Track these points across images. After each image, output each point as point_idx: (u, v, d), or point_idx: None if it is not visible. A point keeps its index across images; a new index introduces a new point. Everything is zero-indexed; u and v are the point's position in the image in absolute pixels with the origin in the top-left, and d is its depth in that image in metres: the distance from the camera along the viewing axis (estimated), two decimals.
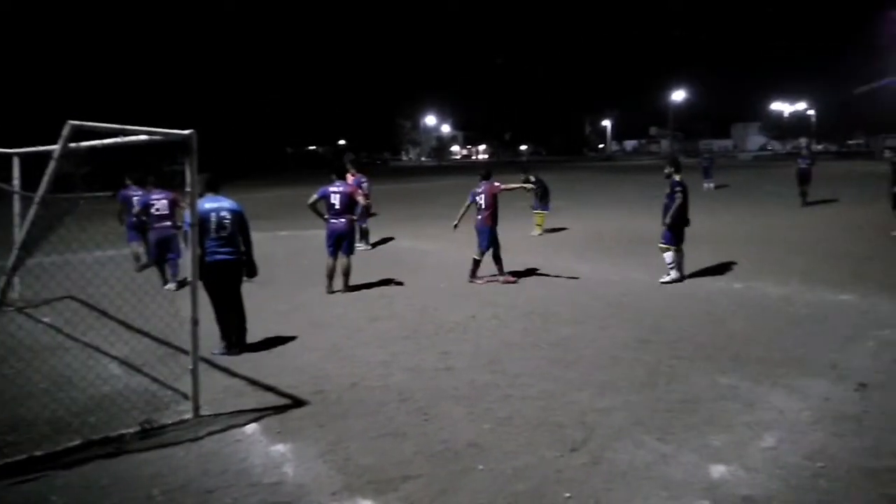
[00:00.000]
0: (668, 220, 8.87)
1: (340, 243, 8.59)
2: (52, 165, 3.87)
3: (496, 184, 9.27)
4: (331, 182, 8.62)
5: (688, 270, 9.17)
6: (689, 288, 8.56)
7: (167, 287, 9.03)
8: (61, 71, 45.77)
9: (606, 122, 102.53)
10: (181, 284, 8.93)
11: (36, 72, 44.84)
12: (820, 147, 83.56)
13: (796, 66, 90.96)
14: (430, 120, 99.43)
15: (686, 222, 9.01)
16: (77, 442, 4.17)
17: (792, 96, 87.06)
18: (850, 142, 79.37)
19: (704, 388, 5.05)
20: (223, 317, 6.14)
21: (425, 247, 12.33)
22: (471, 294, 8.58)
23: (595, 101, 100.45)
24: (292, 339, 6.63)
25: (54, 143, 3.88)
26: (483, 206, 9.11)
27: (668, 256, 8.93)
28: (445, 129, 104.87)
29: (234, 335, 6.21)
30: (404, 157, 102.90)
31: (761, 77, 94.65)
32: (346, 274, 8.73)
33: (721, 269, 9.75)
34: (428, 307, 7.88)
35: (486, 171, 9.66)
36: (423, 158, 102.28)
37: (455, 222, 9.45)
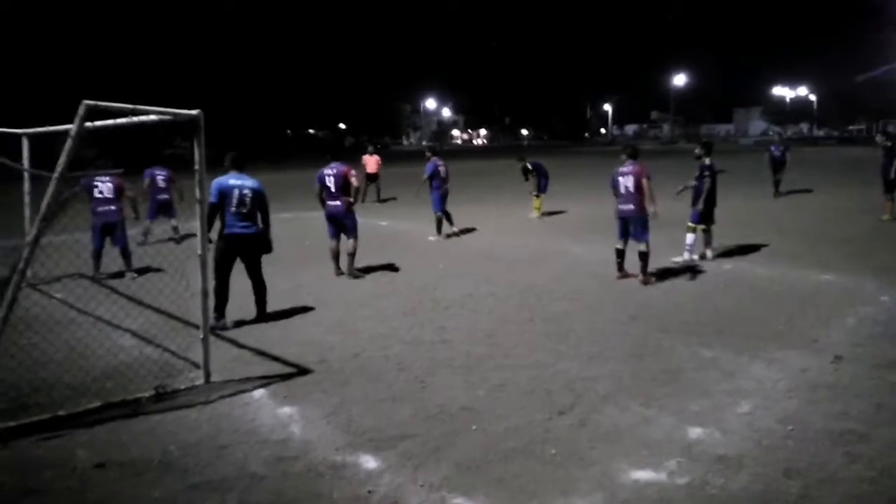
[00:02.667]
0: (700, 205, 9.08)
1: (340, 225, 8.58)
2: (69, 143, 4.10)
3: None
4: (326, 164, 8.61)
5: (677, 252, 9.38)
6: (680, 268, 8.81)
7: (129, 276, 8.86)
8: (67, 54, 45.68)
9: (608, 107, 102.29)
10: (139, 272, 8.91)
11: (42, 55, 44.79)
12: (821, 132, 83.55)
13: (798, 51, 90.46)
14: (430, 104, 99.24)
15: (714, 203, 9.24)
16: (97, 404, 4.45)
17: (794, 81, 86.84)
18: (852, 127, 79.26)
19: (687, 359, 5.32)
20: (223, 288, 6.44)
21: (424, 229, 12.56)
22: (468, 274, 8.83)
23: (596, 86, 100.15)
24: (297, 314, 6.90)
25: (59, 123, 4.09)
26: (633, 190, 7.90)
27: (690, 238, 9.14)
28: (446, 113, 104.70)
29: (257, 304, 6.63)
30: (405, 142, 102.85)
31: (763, 62, 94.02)
32: (350, 255, 8.56)
33: (712, 250, 9.98)
34: (427, 286, 8.14)
35: (632, 149, 8.42)
36: (423, 142, 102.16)
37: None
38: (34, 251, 4.05)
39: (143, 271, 8.95)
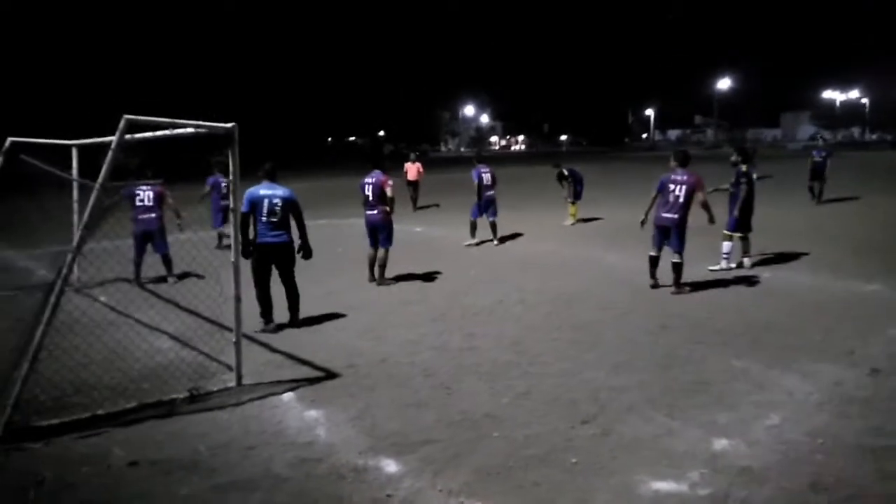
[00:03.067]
0: (735, 212, 8.94)
1: (376, 234, 8.66)
2: (109, 155, 4.31)
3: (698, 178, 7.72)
4: (368, 173, 8.71)
5: (714, 261, 9.20)
6: (717, 276, 8.64)
7: (170, 281, 9.08)
8: (114, 68, 47.58)
9: (650, 111, 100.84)
10: (180, 277, 9.14)
11: (89, 69, 46.72)
12: (874, 136, 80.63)
13: (850, 53, 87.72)
14: (468, 110, 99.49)
15: (751, 210, 9.09)
16: (133, 404, 4.64)
17: (845, 84, 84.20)
18: None
19: (718, 370, 5.24)
20: (264, 295, 6.60)
21: (458, 236, 12.62)
22: (499, 281, 8.85)
23: (638, 90, 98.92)
24: (327, 320, 7.04)
25: (105, 134, 4.30)
26: (682, 200, 7.61)
27: (727, 245, 8.99)
28: (484, 119, 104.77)
29: (290, 310, 6.79)
30: (443, 148, 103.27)
31: (813, 65, 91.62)
32: (381, 266, 8.66)
33: (751, 258, 9.77)
34: (458, 292, 8.20)
35: (682, 155, 8.03)
36: (462, 149, 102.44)
37: (642, 217, 8.02)
38: (76, 257, 4.25)
39: (183, 276, 9.23)
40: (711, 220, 7.83)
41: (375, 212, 8.55)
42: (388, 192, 8.50)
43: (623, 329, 6.44)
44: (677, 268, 7.74)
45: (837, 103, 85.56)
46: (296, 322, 6.79)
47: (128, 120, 4.28)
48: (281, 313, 6.85)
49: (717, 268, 8.96)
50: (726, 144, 78.87)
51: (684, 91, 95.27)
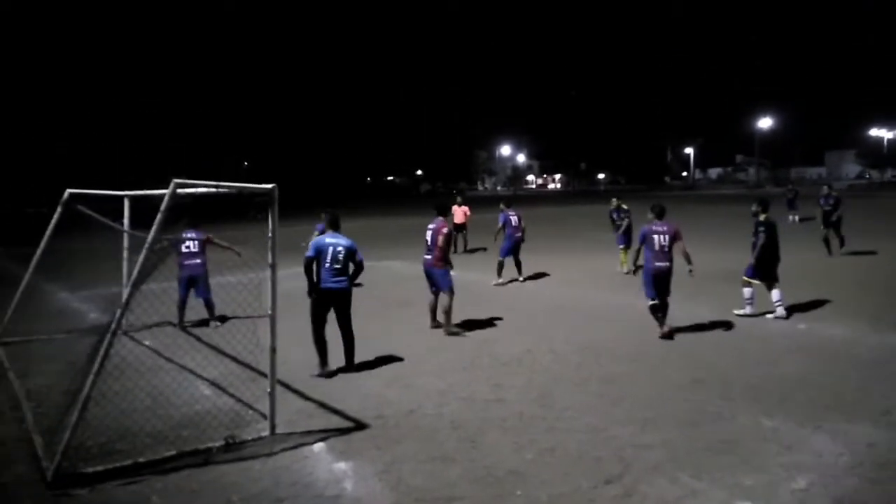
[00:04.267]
0: (752, 259, 9.13)
1: (430, 280, 8.80)
2: (159, 217, 4.64)
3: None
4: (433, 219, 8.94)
5: (740, 305, 9.16)
6: (751, 327, 8.55)
7: (212, 325, 9.43)
8: (159, 116, 50.03)
9: (689, 150, 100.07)
10: (222, 319, 9.52)
11: (146, 121, 49.19)
12: None
13: None
14: (505, 150, 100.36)
15: (776, 259, 9.17)
16: (172, 452, 4.86)
17: (893, 122, 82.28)
18: None
19: (747, 429, 5.20)
20: (319, 338, 6.96)
21: (490, 278, 12.74)
22: (529, 328, 8.92)
23: (678, 128, 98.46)
24: (360, 366, 7.21)
25: (152, 179, 4.61)
26: (667, 248, 8.17)
27: (747, 291, 9.16)
28: (521, 158, 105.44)
29: (345, 354, 7.14)
30: (480, 187, 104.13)
31: (858, 102, 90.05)
32: (445, 312, 8.59)
33: (788, 308, 9.63)
34: (488, 340, 8.30)
35: (659, 209, 8.39)
36: (498, 188, 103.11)
37: (632, 267, 8.69)
38: (125, 313, 4.54)
39: (223, 319, 9.57)
40: (690, 268, 8.24)
41: (429, 257, 8.71)
42: (440, 239, 8.59)
43: (652, 383, 6.43)
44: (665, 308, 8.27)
45: (885, 141, 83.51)
46: (351, 366, 7.09)
47: (176, 183, 4.61)
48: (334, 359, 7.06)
49: (741, 312, 9.13)
50: (769, 184, 77.56)
51: (726, 129, 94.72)
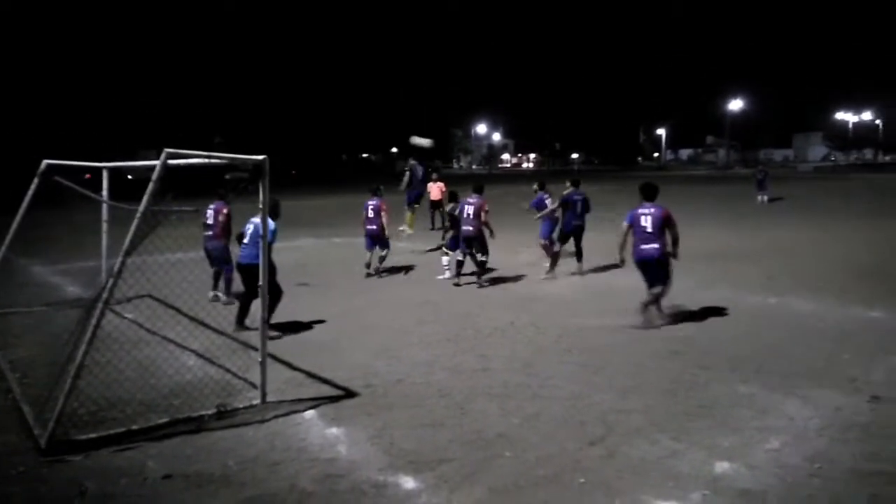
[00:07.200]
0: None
1: (469, 244, 10.20)
2: (150, 186, 4.63)
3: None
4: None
5: (727, 285, 9.43)
6: (726, 302, 8.82)
7: (212, 295, 9.14)
8: (145, 91, 48.83)
9: (661, 131, 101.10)
10: (229, 297, 8.99)
11: (121, 92, 47.90)
12: (887, 158, 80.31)
13: (863, 74, 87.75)
14: (481, 128, 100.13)
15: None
16: (165, 420, 4.91)
17: (858, 106, 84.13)
18: None
19: (723, 395, 5.43)
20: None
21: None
22: (512, 302, 9.09)
23: (650, 110, 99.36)
24: (347, 339, 7.30)
25: (132, 150, 4.59)
26: (650, 230, 7.55)
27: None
28: (496, 137, 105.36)
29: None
30: (455, 166, 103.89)
31: (826, 86, 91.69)
32: (479, 266, 10.23)
33: (759, 284, 9.96)
34: (471, 313, 8.44)
35: (650, 188, 7.89)
36: (473, 166, 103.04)
37: (620, 256, 7.93)
38: (117, 282, 4.55)
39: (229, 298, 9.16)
40: (675, 254, 7.63)
41: (471, 228, 10.07)
42: (482, 215, 10.12)
43: (633, 353, 6.64)
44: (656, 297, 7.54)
45: (850, 125, 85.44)
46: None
47: (168, 153, 4.60)
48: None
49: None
50: (738, 165, 78.93)
51: (696, 111, 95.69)
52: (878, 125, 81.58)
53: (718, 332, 7.36)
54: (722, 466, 4.17)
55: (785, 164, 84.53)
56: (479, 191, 10.53)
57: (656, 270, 7.57)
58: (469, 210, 10.17)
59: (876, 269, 11.11)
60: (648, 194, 7.82)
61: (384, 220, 10.96)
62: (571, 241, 11.14)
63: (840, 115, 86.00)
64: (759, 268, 11.07)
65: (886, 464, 4.18)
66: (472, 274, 10.30)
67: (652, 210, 7.65)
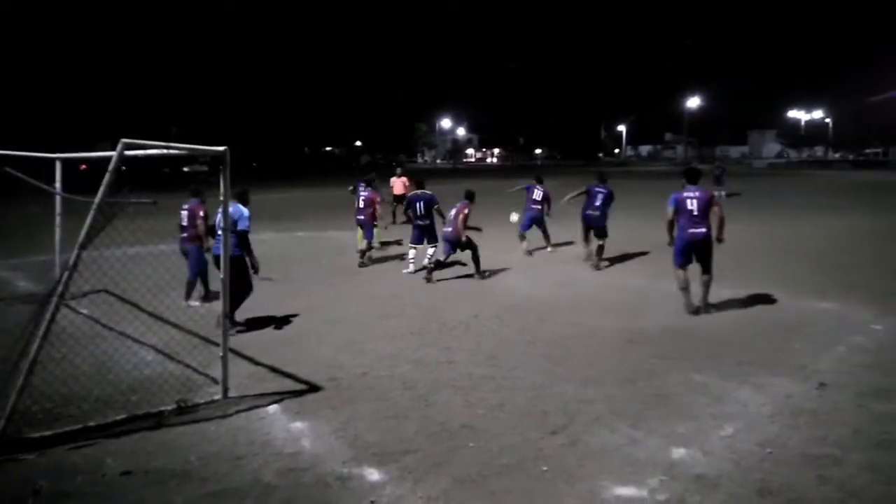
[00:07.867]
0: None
1: (451, 245, 10.33)
2: (107, 177, 4.51)
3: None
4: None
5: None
6: (678, 294, 9.02)
7: (184, 304, 8.41)
8: (99, 81, 47.28)
9: (622, 127, 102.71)
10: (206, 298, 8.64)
11: (75, 82, 46.28)
12: (837, 155, 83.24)
13: (814, 73, 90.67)
14: (445, 123, 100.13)
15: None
16: (123, 416, 4.81)
17: (809, 104, 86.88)
18: (868, 150, 78.85)
19: (678, 384, 5.59)
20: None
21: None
22: (475, 295, 9.15)
23: (611, 106, 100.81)
24: (310, 333, 7.25)
25: (90, 142, 4.48)
26: (696, 213, 7.64)
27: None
28: (461, 131, 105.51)
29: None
30: (419, 160, 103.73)
31: (779, 84, 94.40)
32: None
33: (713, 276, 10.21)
34: (435, 306, 8.47)
35: (693, 173, 8.02)
36: (438, 161, 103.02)
37: (668, 239, 8.04)
38: (72, 275, 4.43)
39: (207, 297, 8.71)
40: (720, 238, 7.75)
41: (451, 230, 10.20)
42: (460, 218, 10.19)
43: (593, 344, 6.77)
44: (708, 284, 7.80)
45: (802, 123, 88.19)
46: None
47: (124, 143, 4.49)
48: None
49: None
50: (696, 161, 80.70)
51: (656, 108, 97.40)
52: (828, 124, 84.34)
53: (672, 323, 7.54)
54: (678, 452, 4.30)
55: (741, 160, 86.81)
56: (469, 197, 10.65)
57: (705, 252, 7.70)
58: (452, 212, 10.41)
59: (827, 261, 11.53)
60: (692, 178, 7.82)
61: (377, 210, 11.71)
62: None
63: (793, 114, 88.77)
64: (714, 260, 11.34)
65: (833, 447, 4.37)
66: (428, 269, 10.28)
67: (698, 193, 7.67)
